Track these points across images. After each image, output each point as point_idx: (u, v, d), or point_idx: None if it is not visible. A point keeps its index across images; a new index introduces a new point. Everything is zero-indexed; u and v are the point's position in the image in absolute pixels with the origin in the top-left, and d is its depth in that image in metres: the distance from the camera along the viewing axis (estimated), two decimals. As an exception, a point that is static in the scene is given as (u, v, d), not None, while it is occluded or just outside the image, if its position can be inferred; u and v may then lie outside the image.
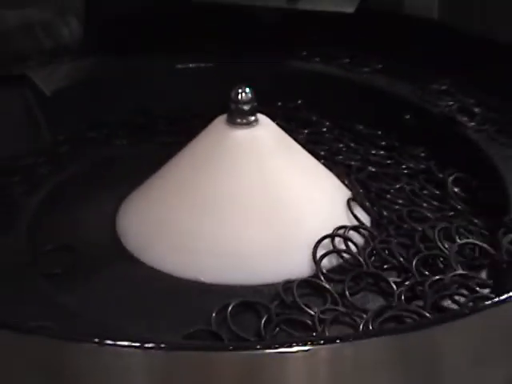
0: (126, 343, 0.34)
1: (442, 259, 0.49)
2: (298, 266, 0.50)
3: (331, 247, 0.50)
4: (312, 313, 0.45)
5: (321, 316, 0.44)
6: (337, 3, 0.68)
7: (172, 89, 0.70)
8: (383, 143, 0.65)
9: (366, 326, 0.43)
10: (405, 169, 0.61)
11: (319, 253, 0.50)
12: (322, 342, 0.34)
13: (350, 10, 0.67)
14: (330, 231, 0.51)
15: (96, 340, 0.34)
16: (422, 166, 0.61)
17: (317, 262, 0.50)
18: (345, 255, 0.50)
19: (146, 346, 0.34)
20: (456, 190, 0.57)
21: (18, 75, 0.67)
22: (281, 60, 0.74)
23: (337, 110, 0.68)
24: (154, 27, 0.76)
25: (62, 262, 0.51)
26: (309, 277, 0.48)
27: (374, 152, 0.63)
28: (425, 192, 0.57)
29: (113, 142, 0.67)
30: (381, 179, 0.59)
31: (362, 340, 0.35)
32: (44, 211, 0.57)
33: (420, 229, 0.52)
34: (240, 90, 0.52)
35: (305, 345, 0.34)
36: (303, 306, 0.45)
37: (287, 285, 0.47)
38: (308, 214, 0.53)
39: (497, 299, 0.37)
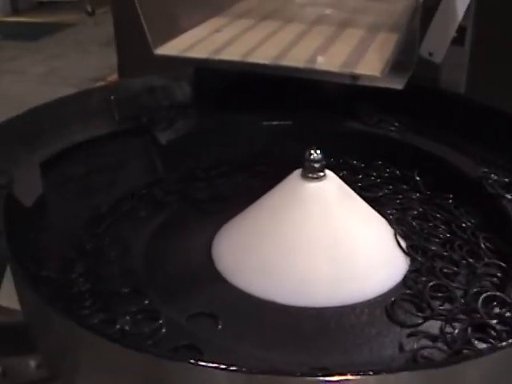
0: (214, 365, 0.40)
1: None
2: (352, 292, 0.57)
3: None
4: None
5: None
6: (389, 81, 0.73)
7: (258, 141, 0.78)
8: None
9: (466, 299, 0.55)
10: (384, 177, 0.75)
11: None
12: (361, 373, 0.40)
13: (400, 86, 0.72)
14: (379, 262, 0.60)
15: (192, 361, 0.40)
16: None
17: (408, 253, 0.60)
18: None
19: (231, 368, 0.40)
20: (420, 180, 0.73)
21: (142, 127, 0.77)
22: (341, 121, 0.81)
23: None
24: (248, 91, 0.83)
25: (171, 279, 0.58)
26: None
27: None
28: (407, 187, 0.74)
29: (209, 182, 0.74)
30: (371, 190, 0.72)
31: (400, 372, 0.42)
32: (155, 239, 0.64)
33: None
34: (312, 151, 0.59)
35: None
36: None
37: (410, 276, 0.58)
38: (361, 249, 0.60)
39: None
